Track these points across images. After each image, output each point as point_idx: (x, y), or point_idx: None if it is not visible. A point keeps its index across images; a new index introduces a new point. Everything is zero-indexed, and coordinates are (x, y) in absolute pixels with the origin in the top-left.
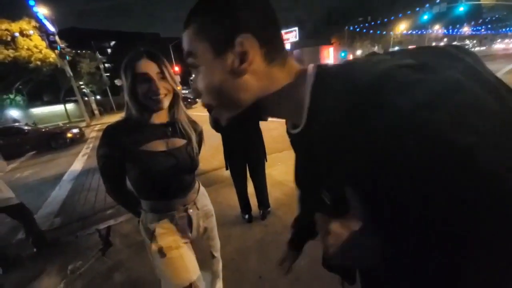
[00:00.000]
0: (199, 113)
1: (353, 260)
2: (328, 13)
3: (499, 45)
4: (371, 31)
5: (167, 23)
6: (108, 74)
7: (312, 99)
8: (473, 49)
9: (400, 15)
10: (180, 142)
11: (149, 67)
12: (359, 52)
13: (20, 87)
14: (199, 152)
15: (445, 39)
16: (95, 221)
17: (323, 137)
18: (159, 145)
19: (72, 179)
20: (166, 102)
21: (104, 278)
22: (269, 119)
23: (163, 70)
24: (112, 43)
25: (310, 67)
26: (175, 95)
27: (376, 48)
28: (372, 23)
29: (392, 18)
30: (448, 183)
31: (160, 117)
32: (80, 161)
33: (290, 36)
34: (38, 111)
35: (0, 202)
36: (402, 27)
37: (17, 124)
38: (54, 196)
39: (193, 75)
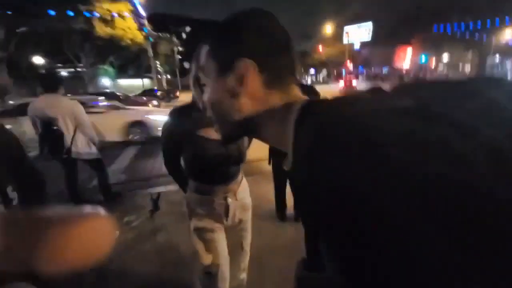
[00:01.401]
0: None
1: None
2: (414, 8)
3: None
4: (467, 34)
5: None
6: (180, 56)
7: (295, 141)
8: None
9: (507, 19)
10: None
11: None
12: (445, 57)
13: (112, 60)
14: (249, 146)
15: None
16: (150, 185)
17: (302, 186)
18: (213, 133)
19: (137, 144)
20: None
21: (149, 235)
22: None
23: None
24: (188, 29)
25: (297, 102)
26: None
27: (470, 55)
28: (470, 25)
29: (497, 22)
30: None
31: None
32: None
33: (361, 32)
34: (123, 82)
35: (87, 155)
36: (508, 34)
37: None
38: (123, 155)
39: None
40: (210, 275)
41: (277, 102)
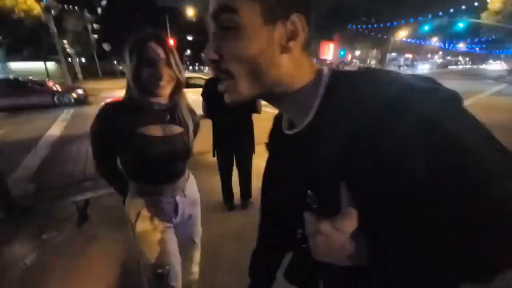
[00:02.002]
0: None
1: (340, 260)
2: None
3: (491, 66)
4: (372, 33)
5: None
6: (96, 36)
7: (323, 102)
8: (464, 66)
9: (403, 22)
10: (177, 129)
11: (156, 52)
12: (357, 53)
13: (0, 38)
14: (194, 140)
15: (440, 52)
16: (73, 192)
17: (329, 138)
18: (155, 130)
19: (49, 144)
20: (168, 89)
21: (79, 251)
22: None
23: (169, 57)
24: (103, 2)
25: (325, 68)
26: (178, 82)
27: (374, 52)
28: (375, 25)
29: (395, 23)
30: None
31: (160, 102)
32: (58, 126)
33: None
34: (16, 65)
35: None
36: (402, 34)
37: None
38: (29, 160)
39: (215, 36)
40: (161, 276)
41: (305, 66)
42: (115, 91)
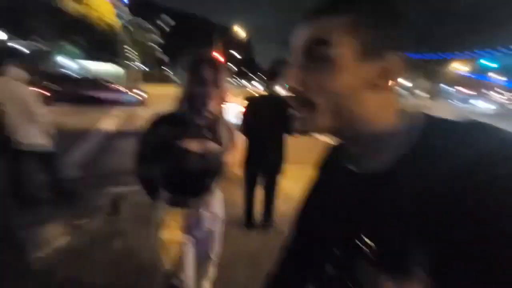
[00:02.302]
0: None
1: None
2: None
3: None
4: (423, 62)
5: (220, 8)
6: (156, 46)
7: (412, 148)
8: None
9: (460, 55)
10: (213, 146)
11: (208, 73)
12: (407, 83)
13: (77, 40)
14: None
15: (505, 92)
16: (110, 182)
17: (410, 190)
18: (194, 145)
19: (100, 136)
20: (214, 107)
21: (105, 241)
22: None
23: (218, 78)
24: (168, 20)
25: (421, 113)
26: (222, 101)
27: (423, 82)
28: (428, 56)
29: (454, 55)
30: None
31: (202, 119)
32: (110, 120)
33: None
34: (88, 64)
35: (37, 147)
36: (458, 67)
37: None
38: (81, 148)
39: (303, 65)
40: (174, 287)
41: (393, 105)
42: (168, 96)
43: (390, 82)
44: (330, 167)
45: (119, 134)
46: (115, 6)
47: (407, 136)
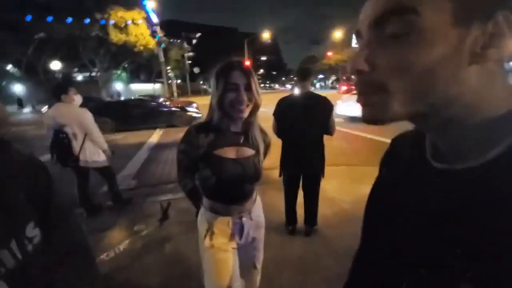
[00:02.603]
0: None
1: None
2: None
3: None
4: None
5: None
6: (189, 61)
7: None
8: None
9: None
10: (249, 151)
11: (239, 79)
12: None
13: (126, 66)
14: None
15: None
16: (159, 191)
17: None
18: (230, 152)
19: (149, 149)
20: (247, 112)
21: (157, 245)
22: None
23: (250, 82)
24: (198, 34)
25: None
26: (255, 105)
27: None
28: None
29: None
30: None
31: (236, 125)
32: (157, 134)
33: None
34: (135, 87)
35: (94, 163)
36: None
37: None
38: (134, 161)
39: (370, 42)
40: None
41: (501, 82)
42: (201, 106)
43: (497, 52)
44: (400, 162)
45: (162, 146)
46: (152, 31)
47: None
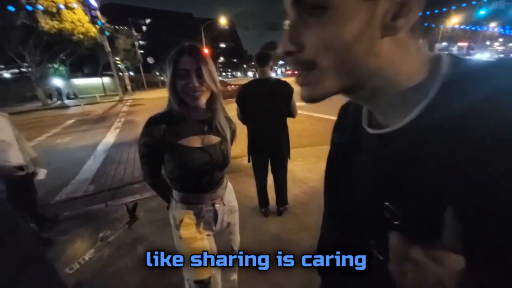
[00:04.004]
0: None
1: None
2: None
3: None
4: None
5: (200, 4)
6: (141, 51)
7: (434, 100)
8: None
9: (454, 7)
10: (215, 139)
11: (189, 63)
12: None
13: (64, 57)
14: (231, 148)
15: (501, 39)
16: (123, 193)
17: (436, 149)
18: (195, 141)
19: (105, 150)
20: (202, 100)
21: (128, 248)
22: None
23: (201, 68)
24: (148, 20)
25: (444, 56)
26: (214, 93)
27: (420, 42)
28: (420, 13)
29: (445, 9)
30: None
31: (198, 113)
32: (112, 133)
33: None
34: (78, 82)
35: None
36: (454, 21)
37: None
38: (89, 164)
39: (294, 22)
40: (202, 284)
41: (414, 54)
42: (159, 99)
43: (406, 21)
44: (345, 128)
45: (123, 144)
46: (92, 17)
47: (430, 85)
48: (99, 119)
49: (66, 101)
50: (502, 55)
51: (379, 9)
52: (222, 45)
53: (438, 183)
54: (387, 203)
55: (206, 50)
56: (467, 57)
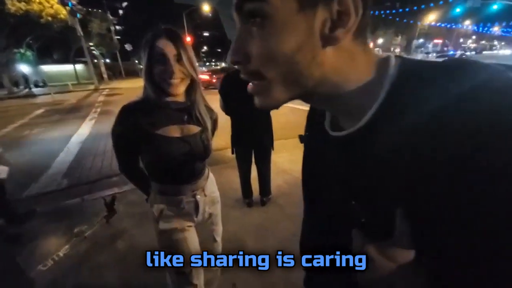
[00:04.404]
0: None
1: None
2: None
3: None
4: (397, 19)
5: None
6: (118, 37)
7: (384, 102)
8: (499, 51)
9: (432, 4)
10: (195, 129)
11: (166, 48)
12: (380, 41)
13: (31, 42)
14: (212, 138)
15: (474, 37)
16: (101, 187)
17: (386, 150)
18: (174, 131)
19: (80, 142)
20: (181, 87)
21: (107, 244)
22: None
23: (180, 53)
24: (124, 4)
25: (392, 58)
26: (194, 81)
27: (399, 39)
28: (400, 10)
29: (423, 7)
30: None
31: (177, 102)
32: (87, 124)
33: None
34: (47, 68)
35: None
36: (431, 18)
37: None
38: (62, 157)
39: (240, 32)
40: (184, 274)
41: (360, 59)
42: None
43: (345, 32)
44: (312, 131)
45: (100, 136)
46: None
47: (380, 88)
48: (72, 109)
49: (34, 89)
50: (473, 52)
51: (317, 20)
52: (206, 34)
53: (389, 184)
54: (353, 202)
55: (188, 38)
56: (412, 58)
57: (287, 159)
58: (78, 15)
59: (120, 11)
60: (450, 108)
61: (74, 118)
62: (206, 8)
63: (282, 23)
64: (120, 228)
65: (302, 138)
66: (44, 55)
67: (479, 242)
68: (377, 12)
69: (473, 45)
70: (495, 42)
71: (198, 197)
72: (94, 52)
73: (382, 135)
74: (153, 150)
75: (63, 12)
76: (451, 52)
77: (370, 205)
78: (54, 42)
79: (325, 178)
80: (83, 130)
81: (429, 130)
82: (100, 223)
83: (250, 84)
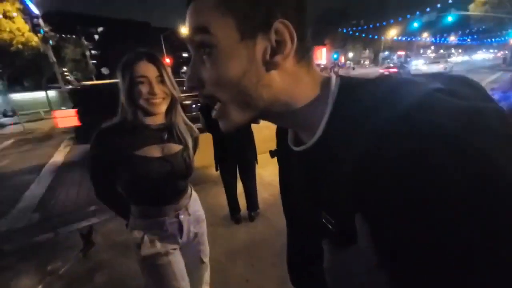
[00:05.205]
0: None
1: None
2: (324, 13)
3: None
4: (363, 35)
5: (158, 13)
6: (94, 61)
7: (331, 117)
8: (457, 58)
9: (392, 21)
10: (176, 147)
11: (148, 70)
12: (351, 55)
13: (0, 71)
14: (194, 155)
15: (432, 47)
16: (77, 218)
17: (338, 160)
18: (154, 151)
19: (53, 171)
20: (163, 106)
21: (84, 280)
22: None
23: (162, 73)
24: (100, 29)
25: (333, 77)
26: (173, 99)
27: (367, 52)
28: (365, 26)
29: (384, 23)
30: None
31: (156, 121)
32: (61, 152)
33: None
34: (18, 97)
35: None
36: (392, 33)
37: None
38: (32, 189)
39: (194, 60)
40: None
41: (304, 79)
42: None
43: (283, 58)
44: (281, 147)
45: (75, 165)
46: (33, 25)
47: (325, 104)
48: (44, 137)
49: (3, 119)
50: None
51: (257, 48)
52: (185, 55)
53: (344, 192)
54: (323, 212)
55: (168, 60)
56: (349, 75)
57: (272, 172)
58: (51, 42)
59: (96, 36)
60: (378, 124)
61: (46, 147)
62: (183, 30)
63: (227, 52)
64: (98, 260)
65: (272, 153)
66: (14, 83)
67: (424, 242)
68: (345, 30)
69: (432, 55)
70: (453, 50)
71: (181, 216)
72: (68, 77)
73: (332, 148)
74: (133, 171)
75: (34, 40)
76: (414, 61)
77: (335, 213)
78: (25, 70)
79: (296, 191)
80: (56, 158)
81: (365, 143)
82: (76, 257)
83: (213, 111)
